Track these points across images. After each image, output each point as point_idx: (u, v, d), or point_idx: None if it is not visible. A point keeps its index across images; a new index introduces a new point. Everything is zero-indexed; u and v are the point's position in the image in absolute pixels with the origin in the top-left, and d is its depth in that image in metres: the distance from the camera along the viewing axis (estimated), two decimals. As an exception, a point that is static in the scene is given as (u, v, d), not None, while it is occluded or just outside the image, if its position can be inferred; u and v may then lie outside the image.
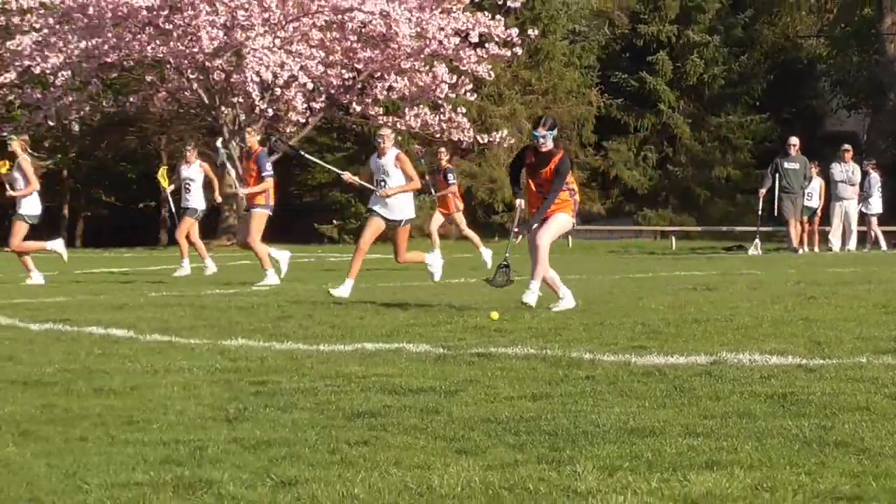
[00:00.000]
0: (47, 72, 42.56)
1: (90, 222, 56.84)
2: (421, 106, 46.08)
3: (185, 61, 42.44)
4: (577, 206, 17.37)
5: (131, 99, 46.06)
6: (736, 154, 58.79)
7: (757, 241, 38.16)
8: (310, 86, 43.18)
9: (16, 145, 24.91)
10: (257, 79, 41.93)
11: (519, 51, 47.14)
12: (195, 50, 41.39)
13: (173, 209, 31.66)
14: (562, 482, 6.82)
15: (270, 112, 43.67)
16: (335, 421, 8.82)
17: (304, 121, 44.99)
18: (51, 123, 45.46)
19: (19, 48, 42.13)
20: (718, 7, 59.38)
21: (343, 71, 44.46)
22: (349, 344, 13.10)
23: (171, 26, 41.65)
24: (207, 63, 42.47)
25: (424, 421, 8.73)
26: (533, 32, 48.37)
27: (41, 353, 12.46)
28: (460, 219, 30.88)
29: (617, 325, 14.72)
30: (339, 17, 43.21)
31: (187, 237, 27.52)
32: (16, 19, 43.47)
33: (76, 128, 47.58)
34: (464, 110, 47.23)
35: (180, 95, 45.63)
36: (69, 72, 43.33)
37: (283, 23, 42.39)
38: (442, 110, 46.22)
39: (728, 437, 7.91)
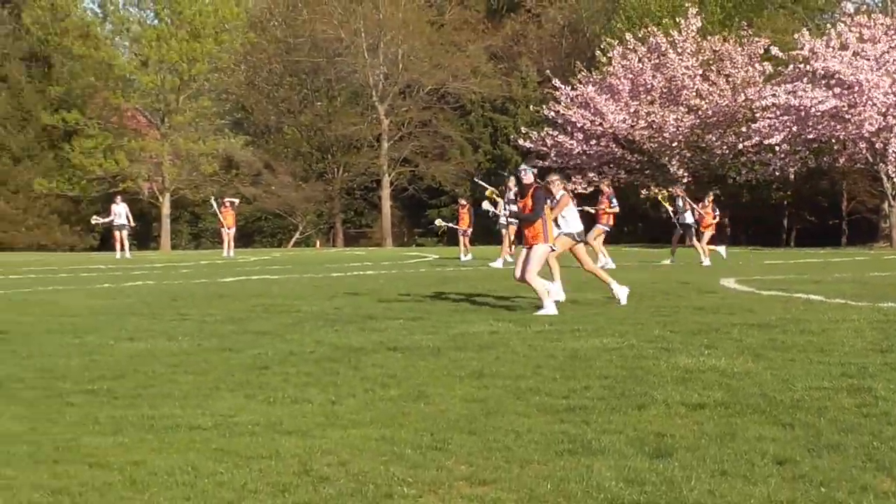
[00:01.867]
0: (773, 143, 41.95)
1: (799, 232, 55.28)
2: None
3: (857, 138, 40.64)
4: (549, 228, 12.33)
5: (825, 158, 44.56)
6: None
7: None
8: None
9: (680, 190, 25.07)
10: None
11: None
12: (860, 130, 39.63)
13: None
14: None
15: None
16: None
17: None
18: (777, 174, 44.79)
19: (757, 127, 41.72)
20: None
21: None
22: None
23: (848, 116, 40.06)
24: (872, 139, 40.54)
25: None
26: None
27: (767, 309, 12.30)
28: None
29: None
30: None
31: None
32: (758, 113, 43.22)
33: (791, 177, 46.56)
34: None
35: (854, 157, 43.57)
36: (787, 145, 42.56)
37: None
38: None
39: None
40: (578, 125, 47.33)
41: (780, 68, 42.73)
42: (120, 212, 34.29)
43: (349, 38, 54.48)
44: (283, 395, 7.07)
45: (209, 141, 51.31)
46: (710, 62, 47.32)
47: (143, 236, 54.74)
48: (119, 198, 35.91)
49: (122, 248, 34.07)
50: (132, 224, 35.33)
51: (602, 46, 48.49)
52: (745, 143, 43.95)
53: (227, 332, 10.57)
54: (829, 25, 43.49)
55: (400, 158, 57.09)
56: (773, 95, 41.57)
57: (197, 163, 50.84)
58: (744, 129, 45.18)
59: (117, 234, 34.48)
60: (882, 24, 41.06)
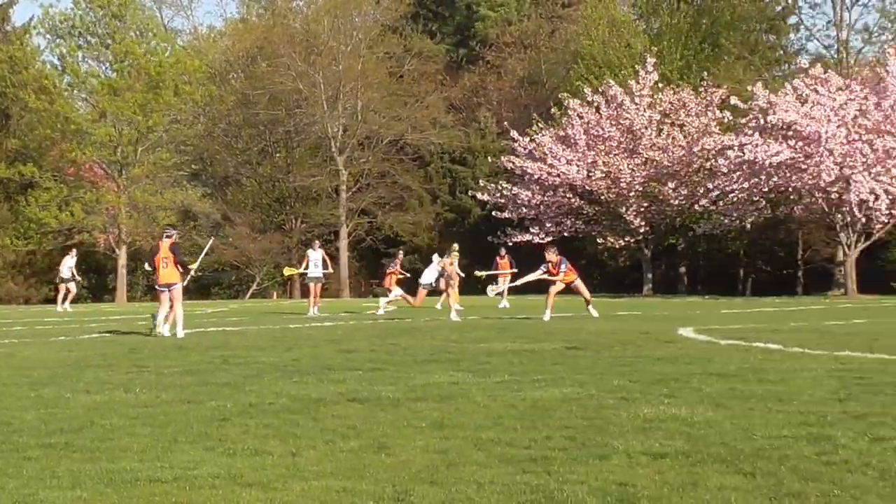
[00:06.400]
0: (730, 194, 42.66)
1: (755, 281, 55.58)
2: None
3: (813, 188, 41.15)
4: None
5: (782, 208, 44.92)
6: None
7: None
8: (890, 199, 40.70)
9: None
10: (857, 199, 40.23)
11: None
12: (817, 180, 40.16)
13: None
14: None
15: (863, 217, 41.69)
16: (908, 403, 8.34)
17: (886, 221, 42.40)
18: (733, 224, 45.57)
19: (714, 179, 42.11)
20: None
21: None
22: (917, 356, 12.31)
23: (804, 167, 40.49)
24: (828, 189, 41.08)
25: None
26: None
27: (726, 358, 12.39)
28: None
29: None
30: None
31: None
32: None
33: (748, 227, 46.82)
34: None
35: (810, 207, 44.05)
36: (744, 195, 43.16)
37: (875, 162, 40.29)
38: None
39: None
40: (535, 176, 47.73)
41: (738, 119, 43.26)
42: (70, 264, 34.31)
43: (308, 90, 54.68)
44: (243, 448, 7.02)
45: (167, 193, 51.04)
46: (668, 112, 47.87)
47: (99, 288, 54.21)
48: (74, 251, 35.86)
49: (64, 301, 33.84)
50: (77, 278, 35.38)
51: (560, 98, 48.86)
52: (702, 194, 44.70)
53: (185, 384, 10.50)
54: (785, 82, 44.08)
55: (358, 209, 57.20)
56: (730, 149, 42.22)
57: (154, 215, 50.51)
58: (699, 178, 45.93)
59: (62, 287, 34.34)
60: (837, 79, 41.71)
